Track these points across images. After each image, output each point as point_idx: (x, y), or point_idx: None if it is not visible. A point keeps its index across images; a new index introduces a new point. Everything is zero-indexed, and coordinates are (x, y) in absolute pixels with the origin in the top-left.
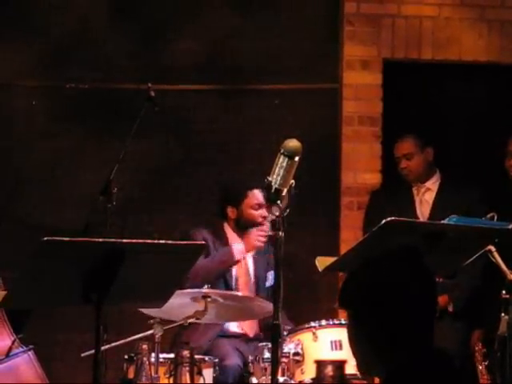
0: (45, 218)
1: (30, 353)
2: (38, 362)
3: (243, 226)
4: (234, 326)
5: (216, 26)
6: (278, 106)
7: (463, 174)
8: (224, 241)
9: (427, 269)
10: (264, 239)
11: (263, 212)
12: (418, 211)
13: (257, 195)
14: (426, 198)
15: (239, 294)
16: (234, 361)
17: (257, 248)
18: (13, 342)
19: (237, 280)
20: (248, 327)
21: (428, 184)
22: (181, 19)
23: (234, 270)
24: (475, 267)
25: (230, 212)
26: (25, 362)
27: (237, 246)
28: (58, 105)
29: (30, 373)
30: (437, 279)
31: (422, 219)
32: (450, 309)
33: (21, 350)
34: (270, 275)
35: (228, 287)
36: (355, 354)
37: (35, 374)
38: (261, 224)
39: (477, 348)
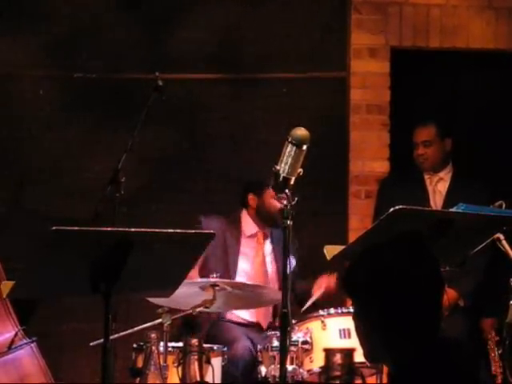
0: (53, 208)
1: (32, 345)
2: (41, 355)
3: (264, 215)
4: (246, 314)
5: (224, 14)
6: (285, 95)
7: (471, 162)
8: (238, 228)
9: (430, 254)
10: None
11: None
12: (432, 201)
13: None
14: (438, 188)
15: (248, 282)
16: (244, 343)
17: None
18: (15, 335)
19: (251, 272)
20: (261, 317)
21: (441, 174)
22: (188, 8)
23: (249, 264)
24: (481, 261)
25: (251, 200)
26: (27, 355)
27: None
28: (66, 94)
29: (33, 365)
30: (445, 268)
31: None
32: (461, 303)
33: (23, 342)
34: (293, 260)
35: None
36: (361, 341)
37: (38, 366)
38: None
39: (490, 336)
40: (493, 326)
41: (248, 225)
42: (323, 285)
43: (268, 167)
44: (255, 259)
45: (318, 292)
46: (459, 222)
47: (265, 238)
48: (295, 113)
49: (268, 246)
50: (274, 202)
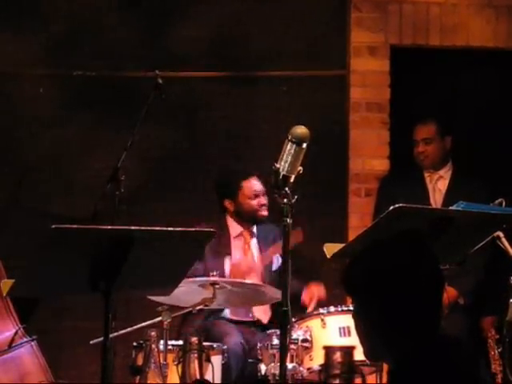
0: (53, 206)
1: (32, 343)
2: (41, 353)
3: (243, 215)
4: (242, 314)
5: (224, 12)
6: (285, 93)
7: (471, 160)
8: (226, 233)
9: (429, 251)
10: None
11: (261, 200)
12: (432, 199)
13: (252, 184)
14: (438, 186)
15: (248, 281)
16: (235, 339)
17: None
18: (15, 333)
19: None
20: (261, 313)
21: (441, 172)
22: (188, 6)
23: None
24: (481, 259)
25: (228, 205)
26: (28, 353)
27: None
28: (66, 93)
29: (33, 364)
30: (445, 266)
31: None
32: (461, 301)
33: (24, 340)
34: (277, 259)
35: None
36: (361, 340)
37: (38, 364)
38: (260, 211)
39: (490, 334)
40: (493, 324)
41: (233, 226)
42: (315, 296)
43: (268, 165)
44: (243, 259)
45: (311, 304)
46: (459, 220)
47: (251, 236)
48: (295, 111)
49: (255, 245)
50: (250, 203)
